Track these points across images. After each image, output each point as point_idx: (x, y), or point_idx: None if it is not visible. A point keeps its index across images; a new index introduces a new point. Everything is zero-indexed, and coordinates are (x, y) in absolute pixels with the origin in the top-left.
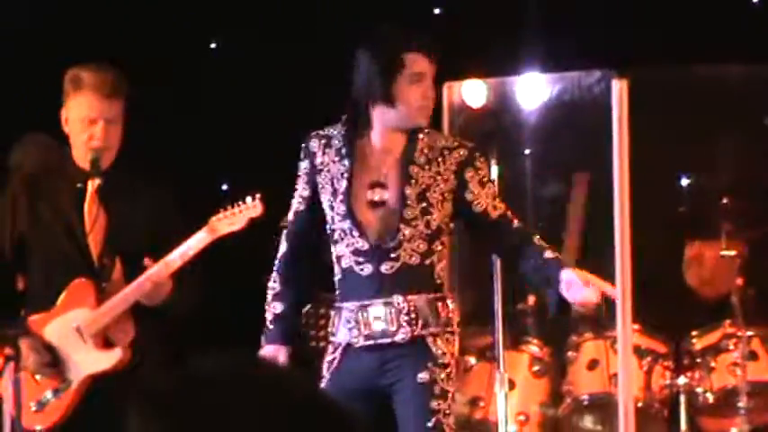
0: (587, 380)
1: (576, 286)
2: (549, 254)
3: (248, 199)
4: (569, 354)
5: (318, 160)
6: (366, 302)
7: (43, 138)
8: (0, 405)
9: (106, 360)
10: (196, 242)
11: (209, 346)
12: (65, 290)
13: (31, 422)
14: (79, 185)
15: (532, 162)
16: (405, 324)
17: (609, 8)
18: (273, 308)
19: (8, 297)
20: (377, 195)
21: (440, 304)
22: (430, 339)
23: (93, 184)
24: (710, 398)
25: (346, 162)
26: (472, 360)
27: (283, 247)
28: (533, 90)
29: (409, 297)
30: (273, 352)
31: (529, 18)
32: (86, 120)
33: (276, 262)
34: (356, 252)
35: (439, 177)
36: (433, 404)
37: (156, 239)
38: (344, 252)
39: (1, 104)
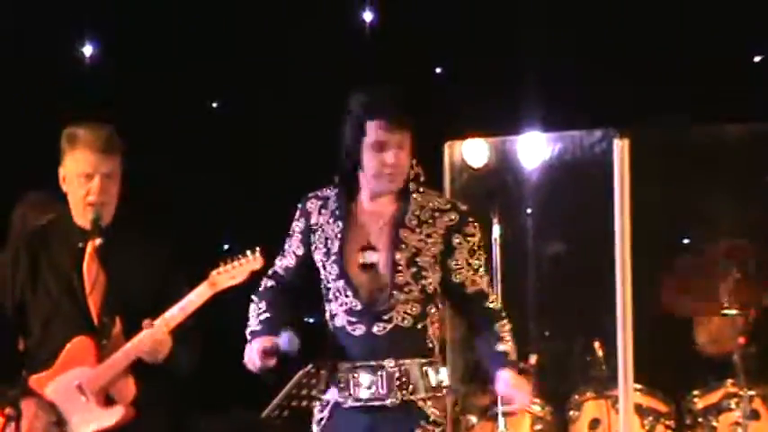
0: None
1: (506, 387)
2: (500, 346)
3: (248, 252)
4: (571, 413)
5: (313, 220)
6: (357, 364)
7: (44, 196)
8: None
9: (108, 417)
10: (196, 297)
11: (208, 405)
12: (65, 349)
13: None
14: (80, 245)
15: (534, 221)
16: (395, 388)
17: (610, 68)
18: (259, 315)
19: (9, 357)
20: (367, 258)
21: (430, 369)
22: (420, 403)
23: (92, 244)
24: None
25: (340, 223)
26: (473, 419)
27: (268, 282)
28: (534, 149)
29: (400, 361)
30: (262, 342)
31: (530, 77)
32: (83, 175)
33: (257, 293)
34: (349, 312)
35: (429, 240)
36: None
37: (157, 297)
38: (338, 311)
39: (3, 164)
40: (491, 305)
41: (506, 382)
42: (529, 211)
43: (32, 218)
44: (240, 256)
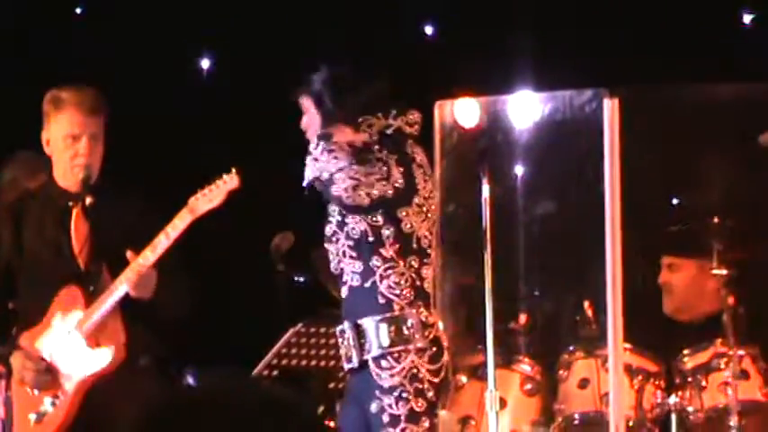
0: (578, 399)
1: None
2: None
3: (224, 174)
4: (560, 372)
5: None
6: (338, 328)
7: (34, 156)
8: None
9: (100, 360)
10: (178, 222)
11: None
12: (54, 300)
13: None
14: (69, 203)
15: (524, 181)
16: (354, 351)
17: (601, 27)
18: None
19: None
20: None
21: (383, 325)
22: (373, 365)
23: (78, 204)
24: (701, 417)
25: None
26: (463, 379)
27: None
28: (525, 109)
29: (358, 321)
30: None
31: (521, 36)
32: (70, 136)
33: None
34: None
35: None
36: None
37: (142, 244)
38: None
39: None
40: None
41: None
42: (519, 170)
43: (23, 180)
44: (216, 179)
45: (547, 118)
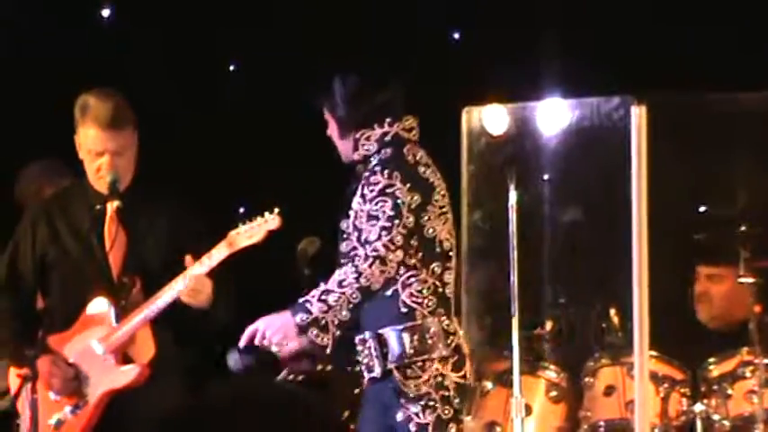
0: (604, 406)
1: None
2: (314, 292)
3: (266, 213)
4: (586, 380)
5: None
6: (358, 337)
7: (50, 163)
8: (17, 423)
9: (124, 376)
10: (216, 253)
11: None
12: (84, 308)
13: None
14: (98, 207)
15: (551, 188)
16: (376, 359)
17: (629, 34)
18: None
19: (28, 319)
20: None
21: (405, 335)
22: (398, 374)
23: (111, 206)
24: (727, 425)
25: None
26: (489, 385)
27: None
28: (553, 116)
29: (379, 331)
30: None
31: (549, 43)
32: (93, 152)
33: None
34: None
35: (360, 199)
36: None
37: (177, 256)
38: None
39: (15, 132)
40: (355, 252)
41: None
42: (546, 177)
43: (45, 185)
44: (258, 217)
45: (574, 125)
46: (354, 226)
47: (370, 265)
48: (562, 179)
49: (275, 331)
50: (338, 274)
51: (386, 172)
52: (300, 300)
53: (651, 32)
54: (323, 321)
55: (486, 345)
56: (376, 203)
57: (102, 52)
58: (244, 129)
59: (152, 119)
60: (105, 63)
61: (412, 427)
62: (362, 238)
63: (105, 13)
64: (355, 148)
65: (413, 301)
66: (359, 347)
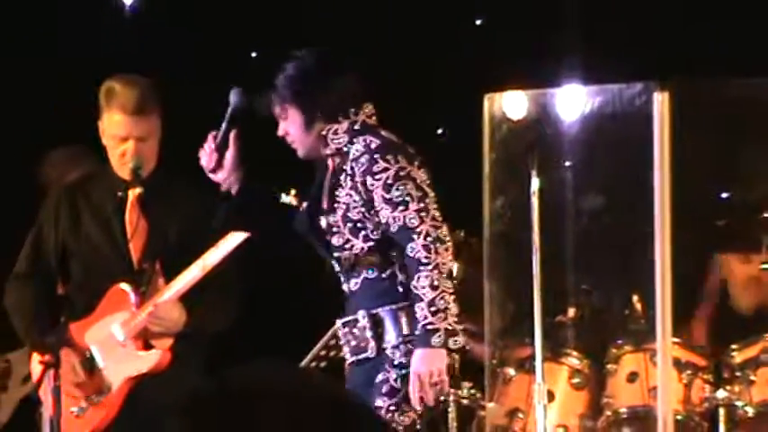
0: (627, 392)
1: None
2: (418, 310)
3: (283, 194)
4: (609, 366)
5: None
6: (342, 321)
7: (72, 150)
8: (40, 412)
9: (145, 362)
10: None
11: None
12: (105, 294)
13: (73, 427)
14: (120, 194)
15: (573, 174)
16: (370, 339)
17: (651, 19)
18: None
19: (49, 305)
20: (324, 221)
21: (402, 314)
22: (390, 350)
23: (133, 193)
24: (750, 411)
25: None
26: (511, 371)
27: None
28: (574, 102)
29: (372, 311)
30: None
31: (570, 29)
32: (117, 138)
33: None
34: (337, 271)
35: (354, 193)
36: (378, 401)
37: (197, 244)
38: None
39: (38, 117)
40: (413, 251)
41: (413, 363)
42: (568, 164)
43: (68, 171)
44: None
45: (596, 111)
46: (347, 218)
47: (435, 252)
48: (584, 166)
49: (432, 371)
50: (422, 279)
51: (389, 157)
52: (419, 327)
53: (674, 17)
54: (450, 327)
55: (509, 331)
56: (397, 189)
57: (125, 41)
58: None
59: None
60: (128, 51)
61: (384, 388)
62: (394, 226)
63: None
64: (324, 144)
65: (406, 282)
66: (345, 330)
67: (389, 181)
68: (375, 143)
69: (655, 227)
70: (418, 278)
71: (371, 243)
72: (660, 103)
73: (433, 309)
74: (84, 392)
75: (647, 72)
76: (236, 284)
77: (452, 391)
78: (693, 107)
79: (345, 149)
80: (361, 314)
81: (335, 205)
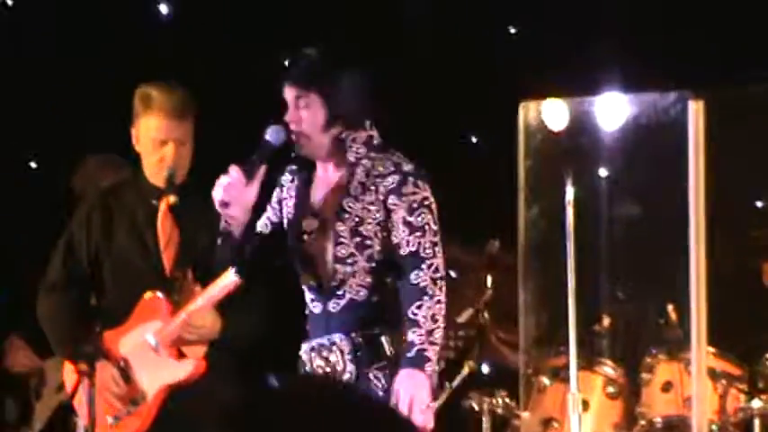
0: (661, 402)
1: (399, 385)
2: (410, 334)
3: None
4: (643, 375)
5: (283, 194)
6: (314, 343)
7: (106, 158)
8: (75, 421)
9: (180, 371)
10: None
11: (279, 363)
12: (138, 303)
13: None
14: (154, 201)
15: (609, 183)
16: (349, 362)
17: (687, 29)
18: None
19: (83, 314)
20: (305, 226)
21: (383, 339)
22: (372, 375)
23: (166, 201)
24: None
25: (293, 194)
26: (546, 381)
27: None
28: (609, 111)
29: (352, 335)
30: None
31: (607, 37)
32: (157, 141)
33: None
34: (309, 288)
35: (372, 207)
36: None
37: None
38: (304, 288)
39: (68, 125)
40: (419, 279)
41: (401, 381)
42: (604, 173)
43: (101, 179)
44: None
45: (632, 120)
46: (357, 232)
47: (440, 288)
48: (620, 174)
49: (423, 396)
50: (423, 308)
51: (419, 182)
52: (414, 350)
53: (708, 27)
54: (436, 366)
55: (543, 340)
56: (419, 215)
57: (161, 47)
58: None
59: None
60: (158, 58)
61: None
62: (405, 249)
63: (163, 9)
64: (340, 149)
65: (395, 308)
66: (312, 354)
67: (414, 205)
68: (407, 165)
69: (690, 236)
70: (419, 306)
71: (373, 264)
72: (695, 111)
73: (430, 339)
74: (119, 401)
75: (682, 81)
76: (268, 293)
77: (487, 400)
78: (728, 116)
79: (363, 162)
80: (338, 336)
81: (344, 215)
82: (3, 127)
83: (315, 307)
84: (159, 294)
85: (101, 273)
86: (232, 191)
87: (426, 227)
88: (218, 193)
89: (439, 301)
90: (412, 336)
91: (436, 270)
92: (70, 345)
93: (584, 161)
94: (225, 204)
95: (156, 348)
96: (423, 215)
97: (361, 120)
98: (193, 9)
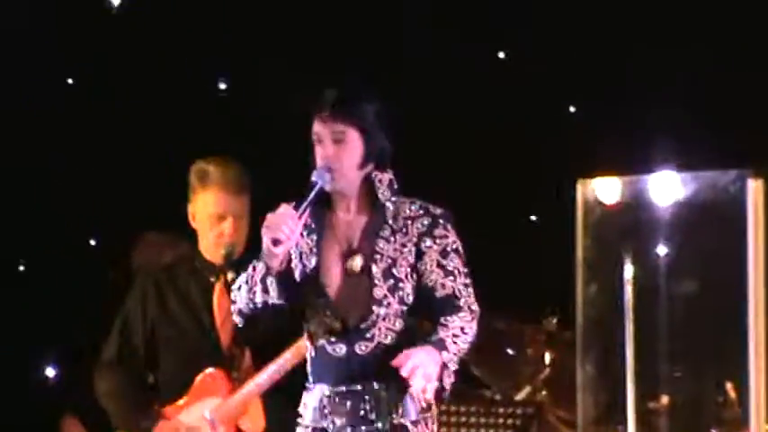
0: None
1: (412, 355)
2: (437, 335)
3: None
4: None
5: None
6: (343, 388)
7: (164, 235)
8: None
9: None
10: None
11: None
12: (195, 380)
13: None
14: (211, 279)
15: (666, 261)
16: (384, 412)
17: (745, 106)
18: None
19: (141, 391)
20: (353, 265)
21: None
22: (410, 426)
23: (223, 277)
24: None
25: (314, 237)
26: None
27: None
28: (667, 188)
29: (386, 383)
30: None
31: (663, 115)
32: (214, 216)
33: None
34: (329, 331)
35: (405, 250)
36: None
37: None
38: (317, 330)
39: (126, 204)
40: (456, 318)
41: (412, 351)
42: (662, 250)
43: (157, 256)
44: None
45: (690, 198)
46: (390, 274)
47: (472, 328)
48: (678, 252)
49: (433, 368)
50: (461, 322)
51: (449, 226)
52: (436, 337)
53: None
54: (455, 359)
55: (602, 419)
56: (452, 259)
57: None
58: None
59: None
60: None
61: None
62: (441, 292)
63: (222, 86)
64: (368, 188)
65: None
66: (341, 398)
67: (447, 249)
68: (435, 209)
69: (748, 314)
70: (462, 318)
71: (404, 307)
72: (754, 190)
73: (454, 340)
74: None
75: (741, 159)
76: None
77: None
78: None
79: (388, 204)
80: (376, 385)
81: (377, 257)
82: (63, 204)
83: (336, 350)
84: (217, 372)
85: (157, 349)
86: (287, 230)
87: (457, 270)
88: (275, 230)
89: (473, 330)
90: (440, 333)
91: (472, 310)
92: (131, 419)
93: (641, 238)
94: (277, 243)
95: (214, 425)
96: (455, 259)
97: (386, 160)
98: (248, 82)
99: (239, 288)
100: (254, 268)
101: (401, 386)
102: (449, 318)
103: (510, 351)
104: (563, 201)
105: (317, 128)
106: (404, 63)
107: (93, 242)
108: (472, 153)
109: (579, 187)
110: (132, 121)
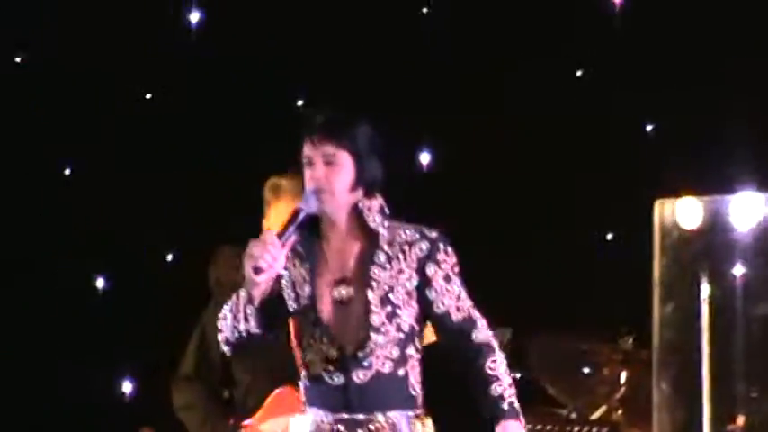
0: None
1: None
2: (492, 390)
3: None
4: None
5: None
6: (343, 416)
7: (228, 252)
8: None
9: None
10: None
11: None
12: (271, 397)
13: None
14: None
15: (744, 281)
16: None
17: None
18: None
19: (218, 405)
20: (340, 294)
21: (418, 423)
22: None
23: None
24: None
25: (307, 265)
26: None
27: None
28: (747, 209)
29: (388, 414)
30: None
31: (743, 135)
32: None
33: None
34: (325, 359)
35: (402, 276)
36: None
37: None
38: (313, 359)
39: (202, 219)
40: (479, 337)
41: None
42: (739, 271)
43: (233, 270)
44: None
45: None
46: (388, 300)
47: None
48: (756, 273)
49: None
50: (498, 362)
51: (449, 249)
52: (506, 403)
53: None
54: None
55: None
56: (455, 282)
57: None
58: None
59: None
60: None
61: None
62: (457, 315)
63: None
64: (357, 215)
65: (418, 386)
66: (341, 426)
67: (449, 272)
68: (431, 231)
69: None
70: (494, 360)
71: (401, 335)
72: None
73: (512, 389)
74: None
75: None
76: None
77: None
78: None
79: (381, 230)
80: (378, 415)
81: (373, 283)
82: (140, 220)
83: (333, 378)
84: (294, 388)
85: (234, 367)
86: (269, 258)
87: (461, 291)
88: (257, 260)
89: (501, 353)
90: (498, 390)
91: (487, 327)
92: (210, 429)
93: (719, 259)
94: (258, 271)
95: None
96: (457, 281)
97: (375, 186)
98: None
99: (224, 317)
100: (238, 296)
101: (402, 417)
102: (491, 365)
103: (586, 370)
104: (641, 221)
105: (308, 151)
106: (489, 80)
107: (169, 257)
108: (551, 173)
109: (657, 207)
110: (209, 137)
